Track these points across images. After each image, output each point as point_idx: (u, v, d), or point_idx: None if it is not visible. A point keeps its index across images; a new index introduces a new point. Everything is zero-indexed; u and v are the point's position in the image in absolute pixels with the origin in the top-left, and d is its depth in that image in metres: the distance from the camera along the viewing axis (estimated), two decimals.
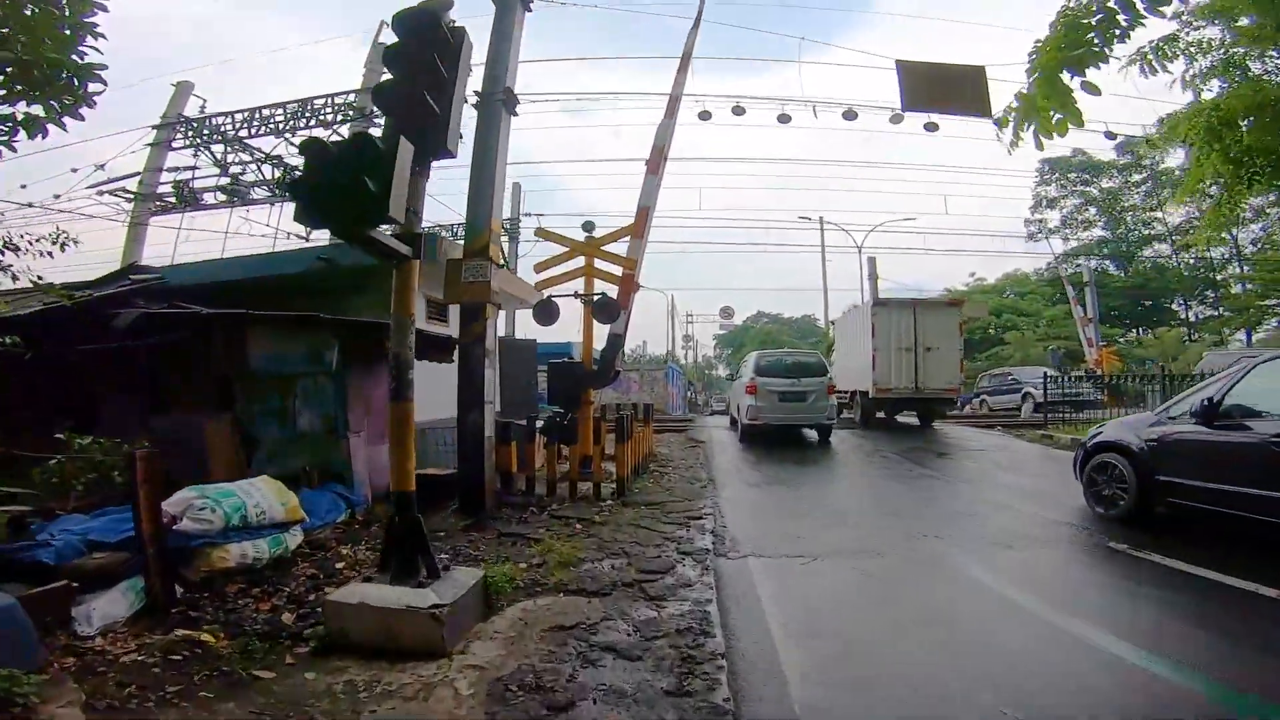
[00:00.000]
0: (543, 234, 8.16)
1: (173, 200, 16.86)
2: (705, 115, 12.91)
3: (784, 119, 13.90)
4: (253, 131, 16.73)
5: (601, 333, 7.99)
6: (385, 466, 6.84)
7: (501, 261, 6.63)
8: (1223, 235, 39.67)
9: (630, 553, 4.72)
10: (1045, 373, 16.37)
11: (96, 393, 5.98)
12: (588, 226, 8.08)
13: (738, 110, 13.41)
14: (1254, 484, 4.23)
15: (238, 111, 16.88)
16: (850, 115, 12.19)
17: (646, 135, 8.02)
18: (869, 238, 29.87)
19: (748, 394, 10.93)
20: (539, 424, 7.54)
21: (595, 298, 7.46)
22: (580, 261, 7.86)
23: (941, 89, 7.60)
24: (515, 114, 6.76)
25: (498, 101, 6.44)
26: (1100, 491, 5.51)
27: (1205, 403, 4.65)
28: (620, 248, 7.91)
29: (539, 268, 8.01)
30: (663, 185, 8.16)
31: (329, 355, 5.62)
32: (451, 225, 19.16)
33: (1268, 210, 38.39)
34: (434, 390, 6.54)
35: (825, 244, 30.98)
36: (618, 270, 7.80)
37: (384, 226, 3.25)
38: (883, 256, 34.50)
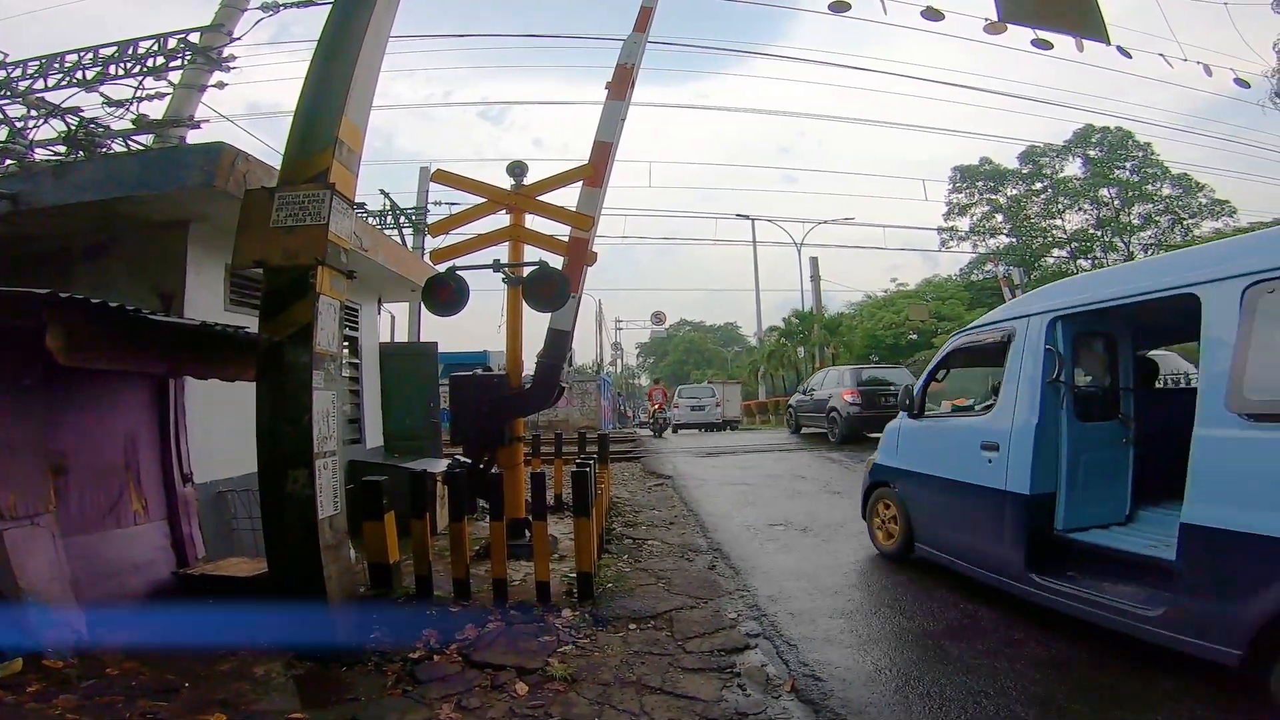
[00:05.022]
0: (443, 177, 5.26)
1: None
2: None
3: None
4: (48, 83, 12.47)
5: (534, 327, 5.28)
6: (119, 569, 3.68)
7: (355, 200, 3.76)
8: (1116, 242, 42.66)
9: None
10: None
11: None
12: (515, 170, 5.30)
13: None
14: (814, 413, 13.83)
15: (30, 60, 12.57)
16: (935, 15, 7.50)
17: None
18: (810, 235, 28.85)
19: (675, 408, 21.03)
20: (437, 471, 4.73)
21: (528, 271, 4.68)
22: (504, 219, 5.09)
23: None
24: None
25: None
26: (788, 423, 16.33)
27: (804, 387, 15.62)
28: (565, 200, 5.26)
29: (435, 229, 5.16)
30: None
31: None
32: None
33: (1157, 218, 41.39)
34: (244, 423, 3.49)
35: (757, 240, 29.67)
36: (563, 232, 5.12)
37: None
38: (819, 255, 33.83)
